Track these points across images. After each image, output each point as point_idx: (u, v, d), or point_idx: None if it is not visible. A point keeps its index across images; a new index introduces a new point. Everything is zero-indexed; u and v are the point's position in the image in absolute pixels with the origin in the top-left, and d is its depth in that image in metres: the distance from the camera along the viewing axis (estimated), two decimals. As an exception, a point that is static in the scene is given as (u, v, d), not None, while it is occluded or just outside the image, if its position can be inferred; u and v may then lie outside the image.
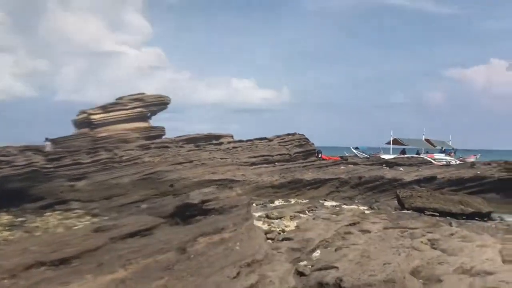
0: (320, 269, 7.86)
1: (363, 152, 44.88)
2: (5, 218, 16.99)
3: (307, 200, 19.09)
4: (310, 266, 8.18)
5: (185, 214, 11.34)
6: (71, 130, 34.52)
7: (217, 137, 29.61)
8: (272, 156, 26.36)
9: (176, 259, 6.17)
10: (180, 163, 22.06)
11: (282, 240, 10.16)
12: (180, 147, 25.62)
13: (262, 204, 17.69)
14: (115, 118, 34.37)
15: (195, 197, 12.56)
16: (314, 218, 13.31)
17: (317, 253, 9.22)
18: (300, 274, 7.68)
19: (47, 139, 28.45)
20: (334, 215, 13.99)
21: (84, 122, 34.24)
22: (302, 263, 8.48)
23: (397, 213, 15.80)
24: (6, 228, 15.25)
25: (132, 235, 7.28)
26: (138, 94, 36.74)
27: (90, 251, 5.78)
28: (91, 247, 5.81)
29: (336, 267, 7.74)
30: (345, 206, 17.40)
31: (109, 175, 20.91)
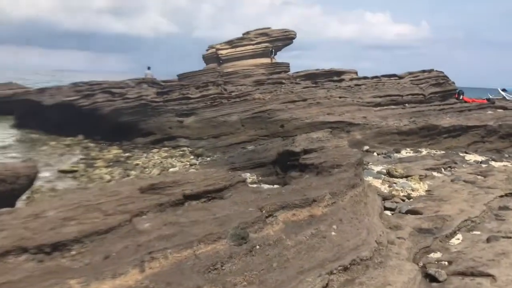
0: (462, 274, 5.10)
1: None
2: (113, 152, 16.76)
3: (443, 152, 15.50)
4: (445, 263, 5.46)
5: (286, 163, 9.32)
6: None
7: (339, 73, 26.37)
8: (402, 96, 22.48)
9: (229, 253, 3.99)
10: (293, 101, 19.72)
11: (406, 213, 7.44)
12: (296, 83, 23.14)
13: (385, 153, 14.75)
14: (241, 53, 33.41)
15: (299, 143, 10.22)
16: (452, 180, 10.10)
17: (457, 240, 6.35)
18: (431, 279, 5.04)
19: (149, 68, 27.62)
20: (480, 177, 10.56)
21: (213, 57, 34.05)
22: (433, 256, 5.78)
23: None
24: (109, 163, 14.86)
25: (192, 197, 5.32)
26: (264, 28, 35.26)
27: (101, 233, 3.90)
28: (101, 227, 3.91)
29: (492, 276, 4.91)
30: (494, 163, 13.57)
31: (217, 112, 19.58)
